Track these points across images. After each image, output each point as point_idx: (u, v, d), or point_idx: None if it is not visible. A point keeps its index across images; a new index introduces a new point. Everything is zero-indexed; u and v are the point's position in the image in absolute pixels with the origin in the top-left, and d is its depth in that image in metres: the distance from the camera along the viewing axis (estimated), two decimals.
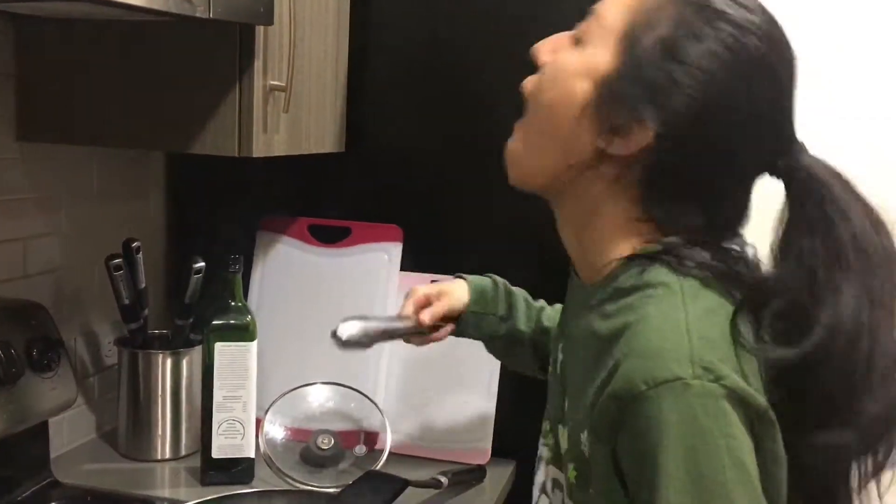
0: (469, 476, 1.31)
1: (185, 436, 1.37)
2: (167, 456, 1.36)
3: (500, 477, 1.36)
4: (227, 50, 1.14)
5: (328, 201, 1.52)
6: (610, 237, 0.80)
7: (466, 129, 1.45)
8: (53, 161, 1.31)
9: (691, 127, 0.74)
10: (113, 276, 1.29)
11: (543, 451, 0.90)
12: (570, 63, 0.79)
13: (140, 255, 1.33)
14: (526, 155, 0.84)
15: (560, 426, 0.84)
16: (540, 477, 0.91)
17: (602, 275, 0.80)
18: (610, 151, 0.77)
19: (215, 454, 1.26)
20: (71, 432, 1.38)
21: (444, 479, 1.23)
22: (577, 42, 0.80)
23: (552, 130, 0.80)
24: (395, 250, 1.47)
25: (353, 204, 1.51)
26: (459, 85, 1.44)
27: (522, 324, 1.14)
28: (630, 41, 0.76)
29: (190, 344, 1.37)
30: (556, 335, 0.95)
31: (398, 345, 1.44)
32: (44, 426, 1.26)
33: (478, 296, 1.15)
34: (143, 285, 1.34)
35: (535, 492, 0.92)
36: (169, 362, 1.35)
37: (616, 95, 0.76)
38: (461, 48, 1.43)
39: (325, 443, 1.34)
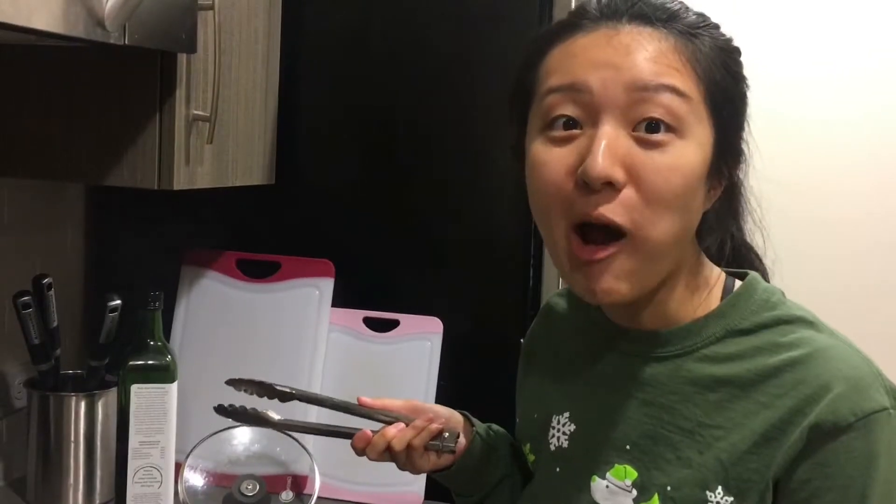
0: None
1: (99, 484, 1.29)
2: None
3: None
4: (147, 78, 1.09)
5: (257, 235, 1.47)
6: (687, 283, 0.77)
7: (400, 162, 1.42)
8: None
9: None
10: (21, 314, 1.21)
11: None
12: (686, 161, 0.70)
13: (52, 291, 1.25)
14: (649, 276, 0.73)
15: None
16: None
17: (684, 320, 0.77)
18: (708, 206, 0.76)
19: None
20: None
21: None
22: (666, 132, 0.69)
23: (681, 239, 0.73)
24: (326, 285, 1.42)
25: (284, 238, 1.46)
26: (393, 117, 1.41)
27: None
28: (716, 92, 0.72)
29: (105, 385, 1.30)
30: (544, 412, 0.85)
31: (328, 374, 1.39)
32: None
33: (478, 423, 0.96)
34: (55, 324, 1.27)
35: None
36: (83, 405, 1.27)
37: (720, 160, 0.74)
38: (395, 80, 1.40)
39: (250, 489, 1.28)
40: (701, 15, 0.75)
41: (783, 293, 0.77)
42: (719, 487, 0.70)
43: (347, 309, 1.42)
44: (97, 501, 1.29)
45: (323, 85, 1.43)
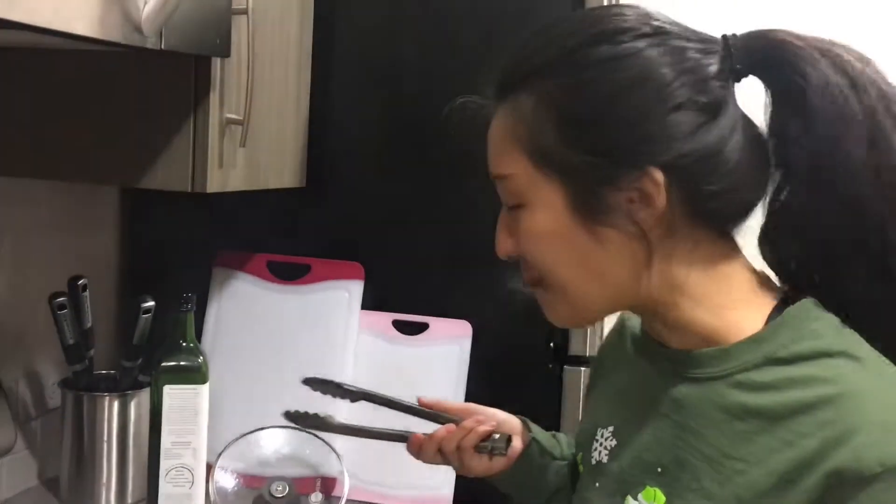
0: None
1: (131, 483, 1.30)
2: None
3: None
4: (182, 82, 1.10)
5: (288, 237, 1.47)
6: (712, 297, 0.72)
7: (431, 166, 1.42)
8: None
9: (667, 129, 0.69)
10: (57, 315, 1.22)
11: None
12: (536, 227, 0.72)
13: (87, 293, 1.27)
14: (579, 312, 0.76)
15: None
16: None
17: (720, 342, 0.71)
18: (648, 226, 0.70)
19: (162, 503, 1.20)
20: (11, 479, 1.31)
21: None
22: (517, 208, 0.73)
23: (587, 281, 0.72)
24: (356, 288, 1.43)
25: (314, 240, 1.46)
26: (425, 120, 1.41)
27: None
28: (544, 156, 0.70)
29: (138, 386, 1.31)
30: (591, 424, 0.83)
31: (358, 377, 1.39)
32: None
33: (537, 430, 0.97)
34: (90, 325, 1.28)
35: None
36: (116, 405, 1.29)
37: (598, 195, 0.70)
38: (427, 82, 1.40)
39: (280, 490, 1.28)
40: (554, 46, 0.72)
41: (841, 322, 0.70)
42: None
43: (377, 312, 1.43)
44: (129, 501, 1.30)
45: (354, 88, 1.44)
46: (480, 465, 0.93)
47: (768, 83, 0.72)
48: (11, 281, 1.29)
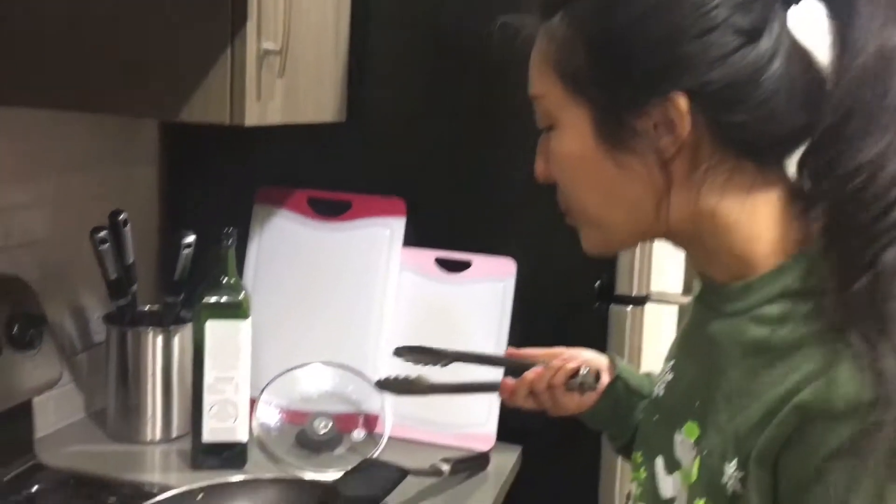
0: (471, 464, 1.25)
1: (176, 417, 1.31)
2: (157, 438, 1.30)
3: (504, 464, 1.30)
4: (219, 11, 1.06)
5: (328, 173, 1.45)
6: (741, 229, 0.69)
7: (474, 98, 1.38)
8: (35, 126, 1.24)
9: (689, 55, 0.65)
10: (98, 249, 1.22)
11: (633, 487, 0.81)
12: (563, 149, 0.72)
13: (128, 227, 1.26)
14: (607, 240, 0.76)
15: (660, 458, 0.75)
16: None
17: (744, 274, 0.69)
18: (672, 155, 0.67)
19: (206, 438, 1.20)
20: (58, 412, 1.32)
21: (444, 468, 1.17)
22: (550, 130, 0.74)
23: (611, 208, 0.72)
24: (397, 225, 1.40)
25: (355, 176, 1.44)
26: (467, 51, 1.37)
27: None
28: (573, 78, 0.69)
29: (181, 321, 1.31)
30: (666, 359, 0.84)
31: (400, 315, 1.38)
32: (27, 406, 1.20)
33: (626, 367, 0.99)
34: (132, 259, 1.28)
35: None
36: (159, 340, 1.29)
37: (621, 120, 0.68)
38: (469, 12, 1.35)
39: (322, 427, 1.28)
40: None
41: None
42: (735, 460, 0.64)
43: (419, 249, 1.40)
44: (174, 434, 1.31)
45: (396, 17, 1.39)
46: (572, 402, 0.97)
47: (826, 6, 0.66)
48: (54, 217, 1.29)
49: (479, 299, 1.37)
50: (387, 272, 1.39)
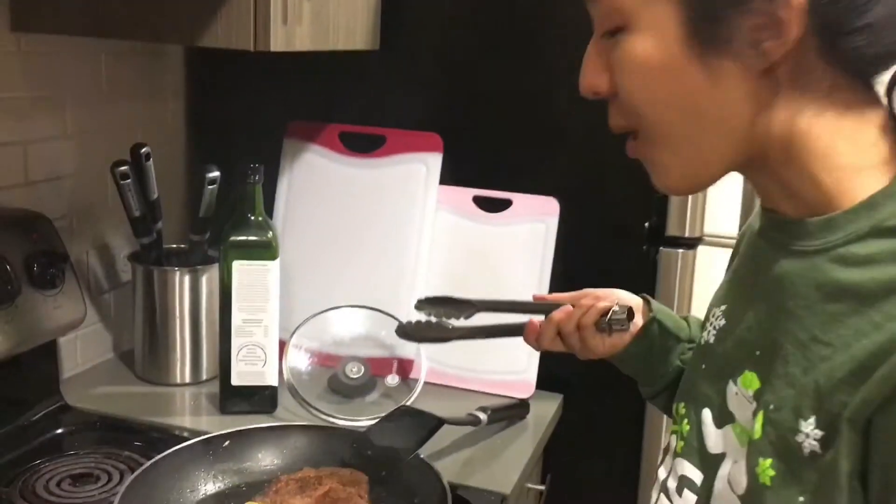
0: (510, 412, 1.20)
1: (205, 359, 1.27)
2: (187, 380, 1.27)
3: (544, 413, 1.24)
4: None
5: (361, 106, 1.37)
6: (833, 155, 0.61)
7: (516, 26, 1.28)
8: (56, 55, 1.18)
9: None
10: (120, 184, 1.17)
11: (672, 441, 0.74)
12: (640, 54, 0.61)
13: (150, 161, 1.20)
14: (694, 170, 0.64)
15: (707, 410, 0.69)
16: (662, 473, 0.74)
17: (824, 208, 0.61)
18: (774, 60, 0.58)
19: (235, 381, 1.16)
20: (85, 352, 1.29)
21: (482, 416, 1.12)
22: (617, 32, 0.62)
23: (697, 127, 0.62)
24: (434, 161, 1.33)
25: (389, 109, 1.36)
26: None
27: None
28: None
29: (209, 261, 1.26)
30: (712, 303, 0.76)
31: (436, 257, 1.32)
32: (51, 346, 1.17)
33: (661, 308, 0.91)
34: (156, 195, 1.22)
35: (654, 492, 0.75)
36: (187, 280, 1.24)
37: (720, 19, 0.58)
38: None
39: (355, 371, 1.24)
40: None
41: None
42: (812, 417, 0.57)
43: (456, 187, 1.33)
44: (204, 377, 1.27)
45: None
46: (603, 345, 0.90)
47: None
48: (76, 150, 1.24)
49: (519, 241, 1.30)
50: (423, 211, 1.32)
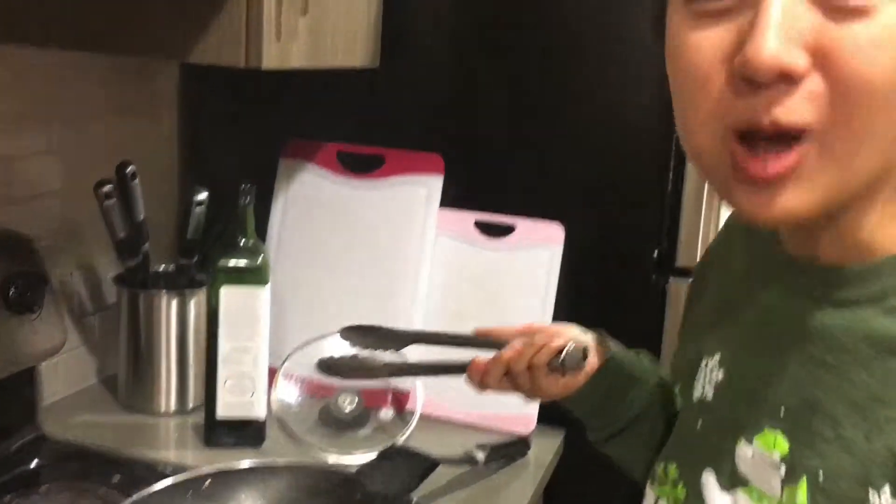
0: (510, 450, 1.14)
1: (192, 387, 1.22)
2: (172, 409, 1.21)
3: (546, 450, 1.19)
4: None
5: (360, 125, 1.32)
6: (892, 203, 0.55)
7: (522, 44, 1.23)
8: (43, 68, 1.14)
9: None
10: (104, 205, 1.12)
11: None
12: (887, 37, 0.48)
13: (136, 180, 1.15)
14: (841, 190, 0.52)
15: (709, 472, 0.62)
16: None
17: (880, 254, 0.55)
18: None
19: (221, 413, 1.11)
20: (67, 377, 1.24)
21: (480, 455, 1.06)
22: (854, 15, 0.48)
23: (886, 132, 0.51)
24: (434, 183, 1.27)
25: (389, 129, 1.31)
26: None
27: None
28: None
29: (197, 285, 1.21)
30: (694, 350, 0.70)
31: (435, 283, 1.26)
32: (31, 372, 1.11)
33: (616, 346, 0.84)
34: (142, 216, 1.17)
35: None
36: (174, 304, 1.19)
37: None
38: None
39: (348, 403, 1.18)
40: None
41: None
42: (886, 486, 0.51)
43: (457, 210, 1.28)
44: (190, 405, 1.22)
45: None
46: (556, 385, 0.82)
47: None
48: (62, 168, 1.19)
49: (522, 268, 1.24)
50: (422, 235, 1.27)
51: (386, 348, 0.83)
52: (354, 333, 0.84)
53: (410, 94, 1.29)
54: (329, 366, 0.84)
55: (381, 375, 0.87)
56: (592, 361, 0.81)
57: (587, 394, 0.82)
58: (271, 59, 0.98)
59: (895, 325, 0.53)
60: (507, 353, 0.82)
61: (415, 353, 0.92)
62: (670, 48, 0.54)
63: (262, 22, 0.95)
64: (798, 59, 0.48)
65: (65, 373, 1.23)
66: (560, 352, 0.79)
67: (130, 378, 1.21)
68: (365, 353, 0.85)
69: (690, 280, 0.80)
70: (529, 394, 0.84)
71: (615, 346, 0.82)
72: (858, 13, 0.48)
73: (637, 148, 1.19)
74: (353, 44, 1.17)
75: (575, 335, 0.82)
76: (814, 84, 0.48)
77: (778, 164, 0.50)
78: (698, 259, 1.21)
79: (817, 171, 0.50)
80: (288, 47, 1.01)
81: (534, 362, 0.81)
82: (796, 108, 0.49)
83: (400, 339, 0.83)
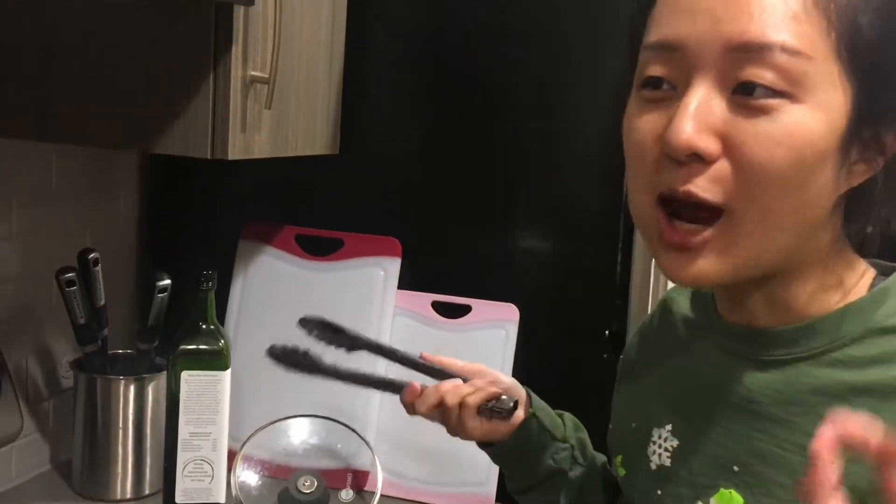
0: None
1: (149, 473, 1.21)
2: (128, 496, 1.20)
3: None
4: (201, 33, 0.97)
5: (319, 209, 1.36)
6: (819, 279, 0.63)
7: (475, 134, 1.29)
8: (2, 152, 1.15)
9: None
10: (65, 292, 1.12)
11: None
12: (804, 131, 0.56)
13: (98, 267, 1.16)
14: (749, 261, 0.60)
15: None
16: None
17: (794, 317, 0.63)
18: (850, 186, 0.60)
19: (179, 499, 1.10)
20: (20, 465, 1.22)
21: None
22: (777, 96, 0.56)
23: (797, 216, 0.59)
24: (392, 266, 1.31)
25: (347, 213, 1.34)
26: (468, 82, 1.28)
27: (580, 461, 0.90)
28: (853, 47, 0.57)
29: (156, 369, 1.21)
30: (643, 423, 0.73)
31: (393, 367, 1.28)
32: None
33: (541, 404, 0.90)
34: (102, 302, 1.18)
35: None
36: (132, 390, 1.19)
37: (863, 128, 0.58)
38: (470, 41, 1.27)
39: (307, 485, 1.18)
40: None
41: None
42: None
43: (415, 292, 1.31)
44: (146, 491, 1.21)
45: (393, 47, 1.31)
46: (479, 429, 0.87)
47: None
48: (20, 253, 1.19)
49: (479, 347, 1.27)
50: (381, 316, 1.30)
51: (337, 346, 0.86)
52: (311, 324, 0.87)
53: (368, 180, 1.33)
54: (278, 354, 0.87)
55: (324, 375, 0.89)
56: (518, 415, 0.86)
57: (509, 445, 0.87)
58: (236, 150, 1.01)
59: (840, 374, 0.59)
60: (445, 385, 0.87)
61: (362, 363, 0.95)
62: (624, 127, 0.64)
63: (229, 115, 0.99)
64: (709, 144, 0.57)
65: (18, 460, 1.21)
66: (492, 398, 0.85)
67: (86, 464, 1.20)
68: (317, 350, 0.88)
69: (621, 359, 0.85)
70: (453, 430, 0.89)
71: (538, 405, 0.88)
72: (763, 111, 0.56)
73: (588, 234, 1.24)
74: (314, 133, 1.22)
75: (512, 388, 0.88)
76: (722, 167, 0.57)
77: (695, 236, 0.59)
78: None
79: (730, 245, 0.59)
80: (252, 138, 1.04)
81: (466, 401, 0.86)
82: (706, 186, 0.58)
83: (352, 341, 0.86)
